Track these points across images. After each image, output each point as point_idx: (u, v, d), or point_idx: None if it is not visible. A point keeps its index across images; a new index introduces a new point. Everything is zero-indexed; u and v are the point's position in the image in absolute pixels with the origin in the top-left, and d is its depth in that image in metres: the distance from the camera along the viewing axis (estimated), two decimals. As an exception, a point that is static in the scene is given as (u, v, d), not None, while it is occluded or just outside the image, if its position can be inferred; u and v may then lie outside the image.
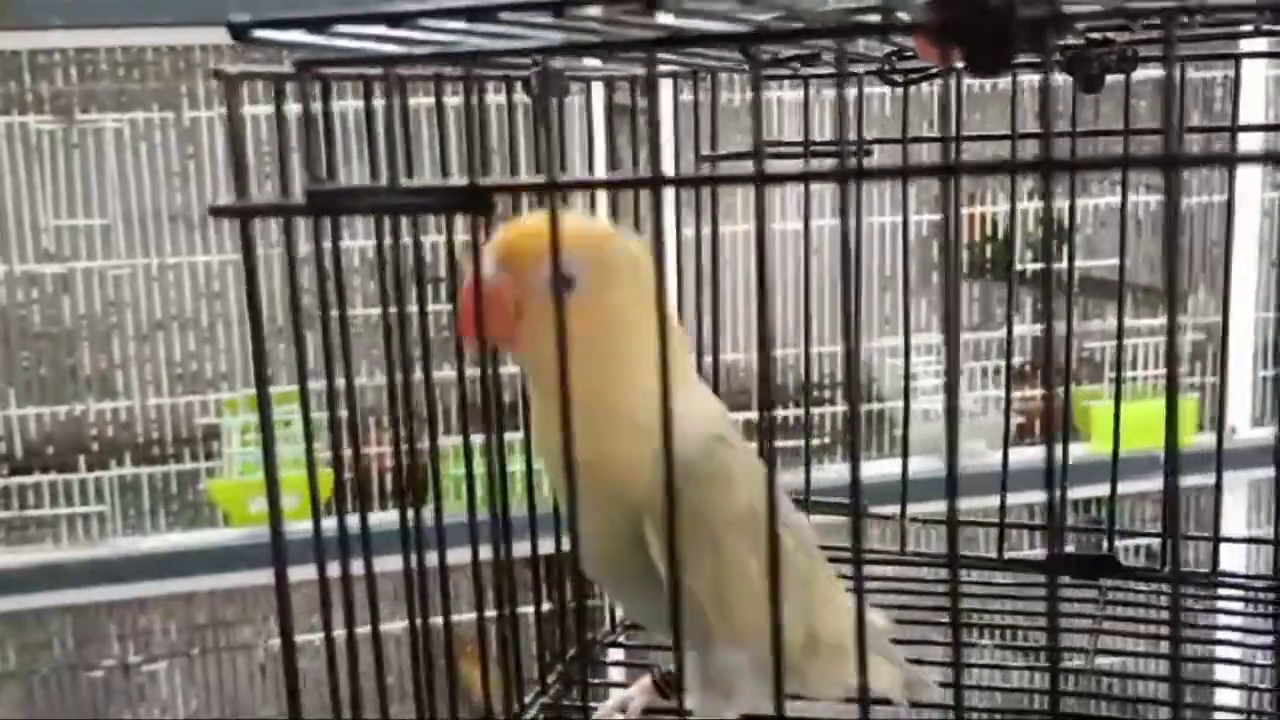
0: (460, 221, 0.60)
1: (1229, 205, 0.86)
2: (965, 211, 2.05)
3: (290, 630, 0.44)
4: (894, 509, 0.92)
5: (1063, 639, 0.74)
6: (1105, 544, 0.87)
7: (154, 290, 1.88)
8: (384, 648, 0.56)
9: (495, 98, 0.65)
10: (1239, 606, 0.83)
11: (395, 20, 0.44)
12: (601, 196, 0.85)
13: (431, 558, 0.58)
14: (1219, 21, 0.69)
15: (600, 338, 0.55)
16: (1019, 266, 2.09)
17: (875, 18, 0.45)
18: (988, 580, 0.88)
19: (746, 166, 0.83)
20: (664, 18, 0.51)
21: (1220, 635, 0.79)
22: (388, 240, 0.53)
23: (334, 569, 0.50)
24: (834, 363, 2.03)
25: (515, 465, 0.68)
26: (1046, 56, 0.38)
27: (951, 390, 0.40)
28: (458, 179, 0.47)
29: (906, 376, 0.90)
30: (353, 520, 0.54)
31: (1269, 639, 0.77)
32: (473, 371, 0.61)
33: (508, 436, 0.66)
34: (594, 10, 0.45)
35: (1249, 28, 0.72)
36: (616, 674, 0.82)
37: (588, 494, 0.51)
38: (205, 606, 1.96)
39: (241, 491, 1.76)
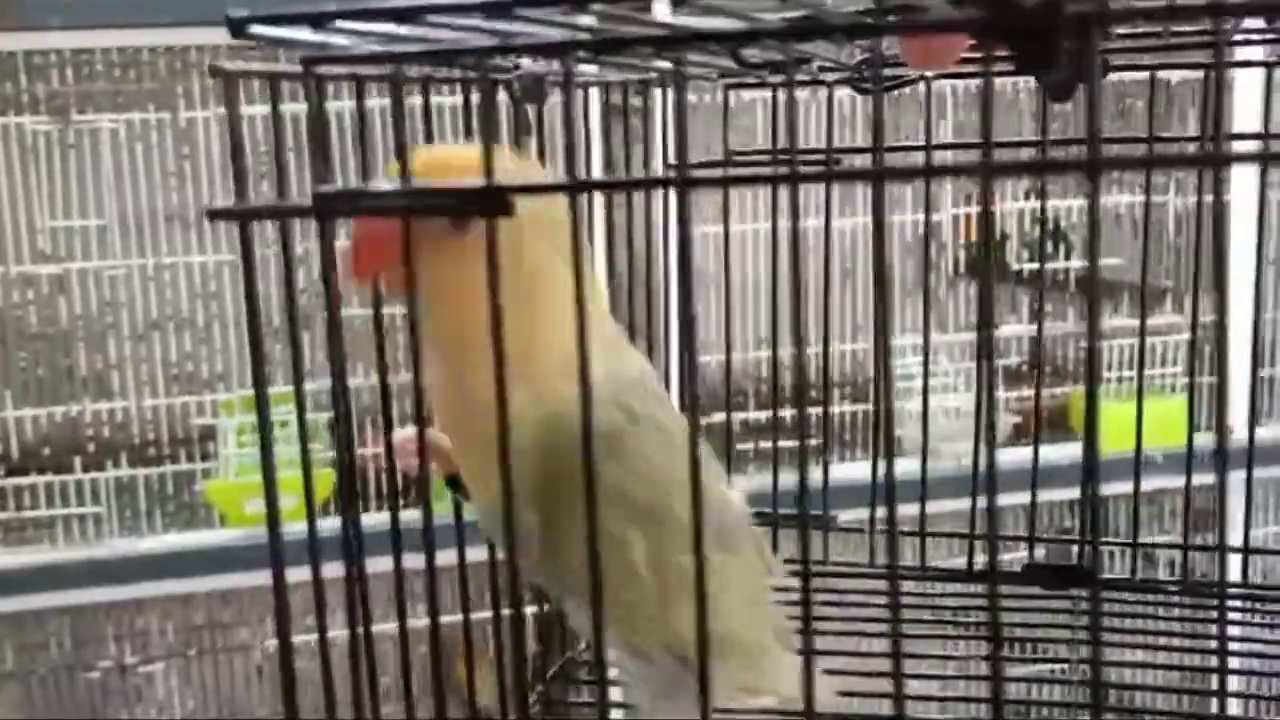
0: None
1: (1259, 204, 0.86)
2: (962, 212, 2.05)
3: (288, 632, 0.44)
4: (905, 512, 0.91)
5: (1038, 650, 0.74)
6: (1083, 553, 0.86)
7: (150, 291, 1.87)
8: (384, 648, 0.56)
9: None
10: (1172, 612, 0.81)
11: (402, 16, 0.43)
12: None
13: (429, 559, 0.57)
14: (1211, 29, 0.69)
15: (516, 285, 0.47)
16: (1015, 267, 2.10)
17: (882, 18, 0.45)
18: (959, 591, 0.85)
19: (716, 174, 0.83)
20: (667, 17, 0.51)
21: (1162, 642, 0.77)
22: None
23: (335, 569, 0.50)
24: (832, 364, 2.03)
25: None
26: (1091, 54, 0.38)
27: (896, 391, 0.40)
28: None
29: (888, 379, 0.90)
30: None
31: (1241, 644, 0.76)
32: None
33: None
34: (599, 7, 0.44)
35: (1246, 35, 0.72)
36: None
37: (477, 444, 0.50)
38: (202, 607, 1.96)
39: (238, 492, 1.76)
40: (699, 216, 1.15)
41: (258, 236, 0.43)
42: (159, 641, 1.97)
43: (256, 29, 0.42)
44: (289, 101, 0.46)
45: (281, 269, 0.47)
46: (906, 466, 0.88)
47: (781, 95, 0.84)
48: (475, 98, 0.63)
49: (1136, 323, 0.86)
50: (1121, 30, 0.67)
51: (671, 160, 0.81)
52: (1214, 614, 0.79)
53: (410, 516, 0.52)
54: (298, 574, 0.48)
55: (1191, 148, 0.94)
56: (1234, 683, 0.73)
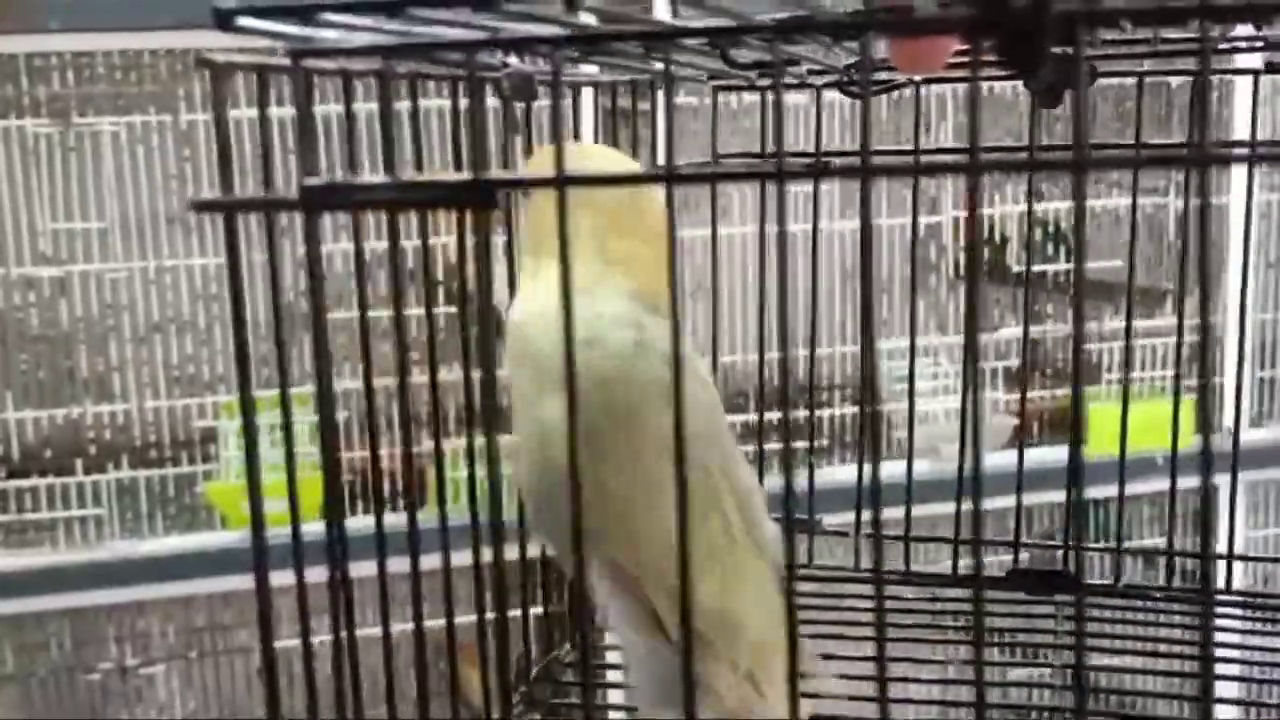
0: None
1: (1246, 207, 0.86)
2: (962, 214, 2.05)
3: (270, 637, 0.44)
4: (896, 515, 0.91)
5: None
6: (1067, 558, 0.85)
7: (151, 293, 1.88)
8: (381, 650, 0.56)
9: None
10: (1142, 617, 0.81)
11: (392, 9, 0.43)
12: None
13: (431, 561, 0.57)
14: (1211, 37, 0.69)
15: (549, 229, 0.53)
16: (1016, 269, 2.10)
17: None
18: (943, 595, 0.85)
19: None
20: (666, 17, 0.51)
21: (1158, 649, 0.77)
22: (375, 243, 0.53)
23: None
24: (833, 366, 2.03)
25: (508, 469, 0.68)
26: (1078, 55, 0.38)
27: (876, 395, 0.40)
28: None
29: (874, 379, 0.90)
30: (353, 523, 0.54)
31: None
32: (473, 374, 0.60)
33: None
34: (594, 2, 0.44)
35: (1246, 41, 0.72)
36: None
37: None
38: (203, 609, 1.96)
39: (239, 494, 1.76)
40: (693, 220, 1.15)
41: (258, 240, 0.43)
42: (160, 643, 1.97)
43: (244, 20, 0.42)
44: (275, 106, 0.46)
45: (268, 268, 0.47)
46: (897, 469, 0.89)
47: (770, 98, 0.84)
48: (464, 102, 0.63)
49: (1133, 324, 0.86)
50: (1112, 36, 0.67)
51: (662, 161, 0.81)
52: (1198, 619, 0.79)
53: (396, 520, 0.52)
54: (292, 577, 0.48)
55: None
56: (1219, 689, 0.72)
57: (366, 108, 0.52)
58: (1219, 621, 0.78)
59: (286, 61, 0.43)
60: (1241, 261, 0.83)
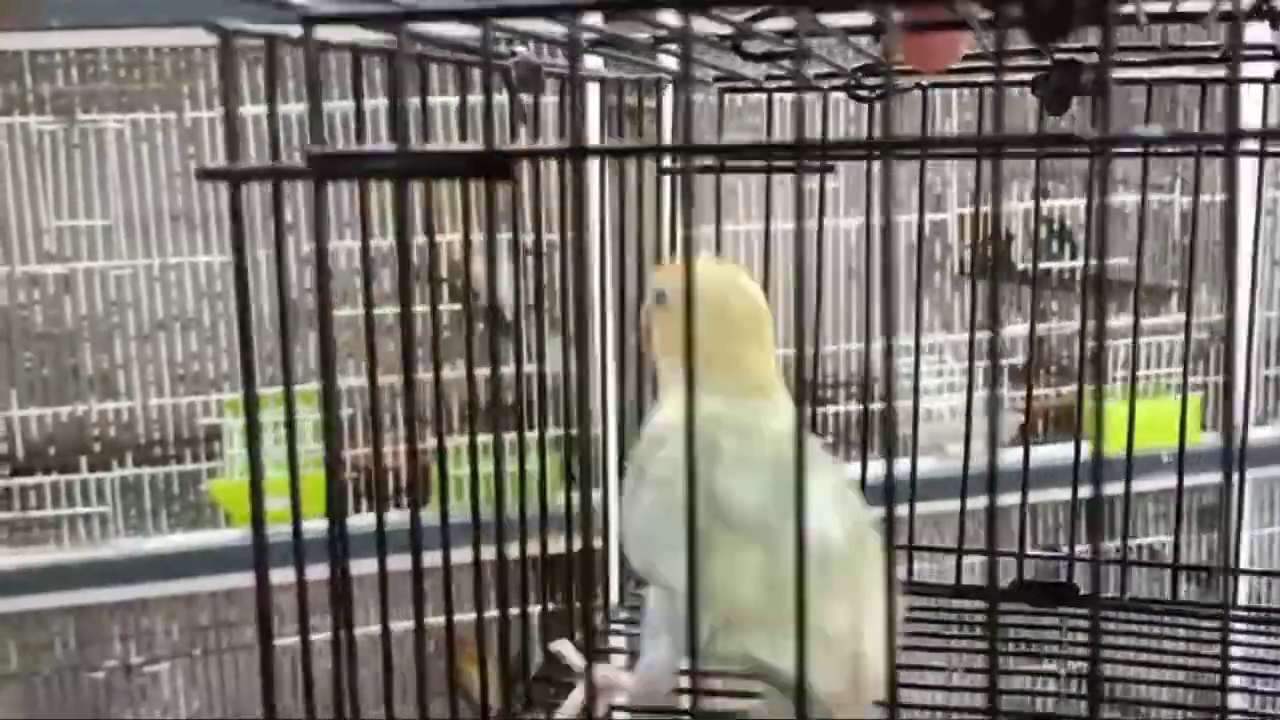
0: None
1: (1257, 202, 0.85)
2: (968, 212, 2.05)
3: (270, 634, 0.44)
4: (897, 515, 0.90)
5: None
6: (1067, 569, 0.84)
7: (156, 290, 1.87)
8: (383, 648, 0.56)
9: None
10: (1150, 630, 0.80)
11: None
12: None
13: (433, 558, 0.57)
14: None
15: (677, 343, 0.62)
16: (1021, 266, 2.09)
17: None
18: (943, 606, 0.85)
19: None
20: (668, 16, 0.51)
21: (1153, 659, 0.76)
22: (380, 240, 0.53)
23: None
24: (838, 363, 2.03)
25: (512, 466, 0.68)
26: (1107, 25, 0.37)
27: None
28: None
29: (891, 384, 0.90)
30: (354, 520, 0.53)
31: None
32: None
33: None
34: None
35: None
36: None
37: None
38: (207, 607, 1.96)
39: (243, 492, 1.74)
40: (700, 218, 1.15)
41: (260, 237, 0.43)
42: (164, 641, 1.97)
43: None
44: (283, 103, 0.46)
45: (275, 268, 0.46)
46: (901, 467, 0.87)
47: (777, 99, 0.84)
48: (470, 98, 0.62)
49: (1136, 322, 0.86)
50: (1125, 43, 0.67)
51: (667, 162, 0.81)
52: (1201, 632, 0.78)
53: (397, 518, 0.51)
54: (307, 573, 0.48)
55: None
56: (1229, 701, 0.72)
57: (373, 104, 0.52)
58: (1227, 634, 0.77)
59: (296, 31, 0.43)
60: (1251, 258, 0.82)
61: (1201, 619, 0.79)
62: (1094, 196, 0.86)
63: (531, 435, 0.73)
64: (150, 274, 1.85)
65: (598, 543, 1.02)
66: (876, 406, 2.00)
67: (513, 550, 0.65)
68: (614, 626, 0.84)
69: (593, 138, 1.52)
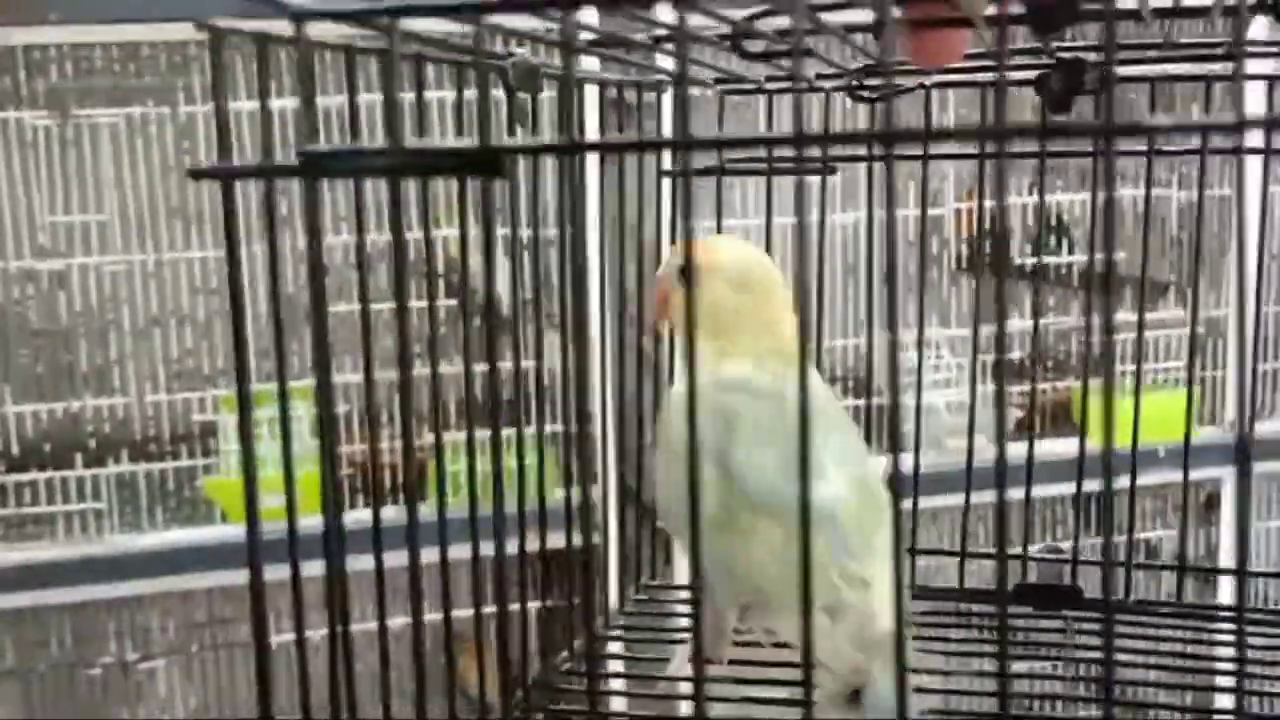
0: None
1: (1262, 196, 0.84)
2: (964, 207, 2.05)
3: (264, 631, 0.43)
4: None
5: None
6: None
7: (151, 286, 1.87)
8: (380, 645, 0.55)
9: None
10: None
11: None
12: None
13: (431, 554, 0.57)
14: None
15: (706, 315, 0.71)
16: (1018, 261, 2.09)
17: None
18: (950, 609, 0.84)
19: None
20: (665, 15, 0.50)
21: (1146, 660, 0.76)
22: (375, 235, 0.52)
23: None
24: (833, 358, 2.02)
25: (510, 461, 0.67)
26: (1109, 14, 0.37)
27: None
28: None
29: (870, 372, 0.89)
30: (351, 516, 0.53)
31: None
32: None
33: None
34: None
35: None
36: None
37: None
38: (203, 604, 1.96)
39: (239, 489, 1.73)
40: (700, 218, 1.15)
41: (255, 231, 0.43)
42: (160, 638, 1.97)
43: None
44: (277, 97, 0.45)
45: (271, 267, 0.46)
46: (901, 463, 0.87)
47: (778, 101, 0.83)
48: (464, 98, 0.62)
49: (1136, 317, 0.85)
50: (1125, 40, 0.66)
51: (667, 165, 0.80)
52: (1204, 634, 0.78)
53: (395, 514, 0.51)
54: (304, 569, 0.47)
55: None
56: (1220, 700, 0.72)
57: (368, 98, 0.52)
58: (1226, 638, 0.77)
59: (288, 30, 0.42)
60: (1257, 252, 0.81)
61: (1214, 621, 0.79)
62: (1097, 190, 0.85)
63: (529, 431, 0.72)
64: (145, 269, 1.85)
65: (596, 539, 1.02)
66: (878, 402, 2.00)
67: (511, 547, 0.64)
68: (612, 632, 0.82)
69: (591, 135, 1.52)
